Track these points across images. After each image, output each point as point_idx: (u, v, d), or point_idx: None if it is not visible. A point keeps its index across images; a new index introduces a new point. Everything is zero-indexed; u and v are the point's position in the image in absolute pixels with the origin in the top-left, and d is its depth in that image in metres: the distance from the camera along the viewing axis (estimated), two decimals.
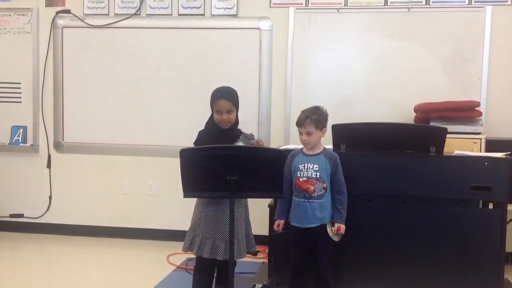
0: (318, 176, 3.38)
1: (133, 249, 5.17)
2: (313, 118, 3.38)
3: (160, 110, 5.34)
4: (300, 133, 3.44)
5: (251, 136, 3.52)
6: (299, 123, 3.42)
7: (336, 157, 3.45)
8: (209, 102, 3.43)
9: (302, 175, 3.40)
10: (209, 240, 3.31)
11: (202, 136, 3.41)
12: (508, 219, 3.72)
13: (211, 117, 3.43)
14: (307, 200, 3.39)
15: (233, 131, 3.44)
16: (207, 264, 3.39)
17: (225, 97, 3.36)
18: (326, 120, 3.46)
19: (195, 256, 3.49)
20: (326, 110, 3.47)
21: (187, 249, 3.42)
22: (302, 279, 3.54)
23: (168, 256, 4.84)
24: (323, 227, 3.41)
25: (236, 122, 3.45)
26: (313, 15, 5.06)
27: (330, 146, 3.77)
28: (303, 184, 3.39)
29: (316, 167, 3.39)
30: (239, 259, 3.38)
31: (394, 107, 4.90)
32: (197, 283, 3.49)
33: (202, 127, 3.49)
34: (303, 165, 3.42)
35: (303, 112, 3.45)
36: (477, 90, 4.82)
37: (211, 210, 3.33)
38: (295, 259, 3.54)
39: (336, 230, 3.39)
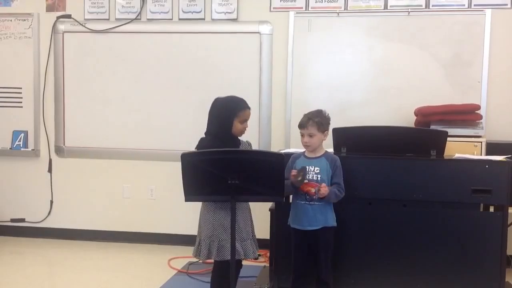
0: (319, 178, 3.39)
1: (134, 253, 5.17)
2: (316, 120, 3.41)
3: (161, 114, 5.34)
4: (302, 135, 3.46)
5: (248, 144, 3.51)
6: (301, 125, 3.45)
7: (337, 160, 3.47)
8: (227, 109, 3.34)
9: None
10: (228, 242, 3.26)
11: (206, 143, 3.35)
12: (509, 222, 3.72)
13: (224, 124, 3.33)
14: (308, 203, 3.40)
15: (235, 140, 3.42)
16: (227, 266, 3.34)
17: (249, 107, 3.39)
18: (328, 124, 3.48)
19: (197, 261, 3.48)
20: (328, 114, 3.49)
21: (205, 257, 3.34)
22: (303, 283, 3.54)
23: (169, 260, 4.84)
24: (324, 229, 3.42)
25: None
26: (313, 19, 5.07)
27: (331, 149, 3.78)
28: (304, 187, 3.40)
29: (317, 170, 3.41)
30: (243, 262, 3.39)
31: (395, 111, 4.91)
32: (219, 285, 3.45)
33: (202, 131, 3.44)
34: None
35: (306, 115, 3.49)
36: (477, 93, 4.83)
37: (224, 214, 3.29)
38: (296, 263, 3.54)
39: (321, 187, 3.34)
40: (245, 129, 3.40)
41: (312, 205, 3.39)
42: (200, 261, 3.40)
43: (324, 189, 3.33)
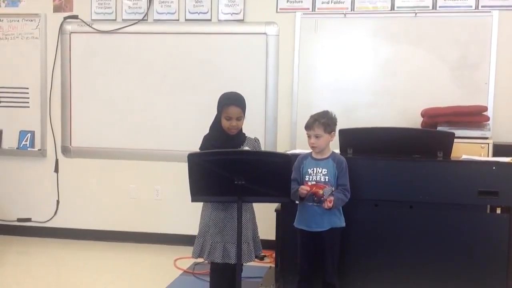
0: (327, 180, 3.39)
1: (140, 253, 5.18)
2: (322, 121, 3.40)
3: (167, 114, 5.35)
4: (309, 137, 3.45)
5: (256, 140, 3.52)
6: (308, 126, 3.44)
7: (343, 161, 3.47)
8: (216, 105, 3.44)
9: (310, 179, 3.41)
10: (220, 244, 3.30)
11: (207, 142, 3.41)
12: None
13: (217, 121, 3.42)
14: (316, 204, 3.39)
15: (239, 136, 3.44)
16: (223, 268, 3.36)
17: (235, 104, 3.35)
18: (335, 124, 3.48)
19: (202, 261, 3.49)
20: (335, 115, 3.49)
21: (197, 255, 3.41)
22: (309, 284, 3.54)
23: (175, 260, 4.85)
24: (331, 231, 3.41)
25: None
26: (319, 20, 5.07)
27: (337, 150, 3.78)
28: (311, 188, 3.39)
29: (324, 171, 3.41)
30: (248, 263, 3.39)
31: (401, 112, 4.90)
32: (215, 287, 3.48)
33: (208, 131, 3.50)
34: (312, 169, 3.44)
35: (312, 116, 3.48)
36: (484, 95, 4.81)
37: (220, 215, 3.33)
38: (302, 264, 3.54)
39: (328, 201, 3.32)
40: (233, 127, 3.36)
41: (320, 206, 3.38)
42: (206, 261, 3.45)
43: (329, 204, 3.31)
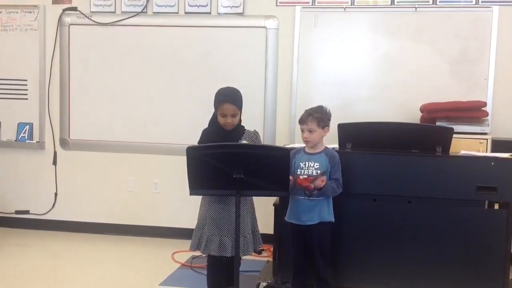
0: (318, 174, 3.38)
1: (138, 246, 5.18)
2: (316, 116, 3.41)
3: (166, 108, 5.34)
4: (302, 131, 3.47)
5: (255, 133, 3.52)
6: (301, 121, 3.46)
7: (336, 156, 3.47)
8: (213, 101, 3.43)
9: (302, 173, 3.42)
10: (216, 237, 3.31)
11: (206, 136, 3.41)
12: None
13: (215, 116, 3.42)
14: (307, 198, 3.40)
15: (238, 129, 3.44)
16: (220, 261, 3.37)
17: (230, 101, 3.35)
18: (329, 119, 3.47)
19: (200, 254, 3.49)
20: (329, 110, 3.49)
21: (194, 247, 3.42)
22: (304, 278, 3.55)
23: (173, 253, 4.85)
24: (320, 225, 3.42)
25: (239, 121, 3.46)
26: (319, 14, 5.06)
27: (336, 145, 3.77)
28: (303, 182, 3.39)
29: (317, 165, 3.42)
30: (245, 257, 3.39)
31: (400, 107, 4.89)
32: (212, 280, 3.49)
33: (207, 125, 3.50)
34: (304, 163, 3.44)
35: (306, 110, 3.50)
36: (483, 90, 4.81)
37: (217, 208, 3.34)
38: (295, 258, 3.55)
39: (320, 180, 3.33)
40: (229, 123, 3.36)
41: (311, 200, 3.39)
42: (203, 254, 3.46)
43: (320, 182, 3.31)
